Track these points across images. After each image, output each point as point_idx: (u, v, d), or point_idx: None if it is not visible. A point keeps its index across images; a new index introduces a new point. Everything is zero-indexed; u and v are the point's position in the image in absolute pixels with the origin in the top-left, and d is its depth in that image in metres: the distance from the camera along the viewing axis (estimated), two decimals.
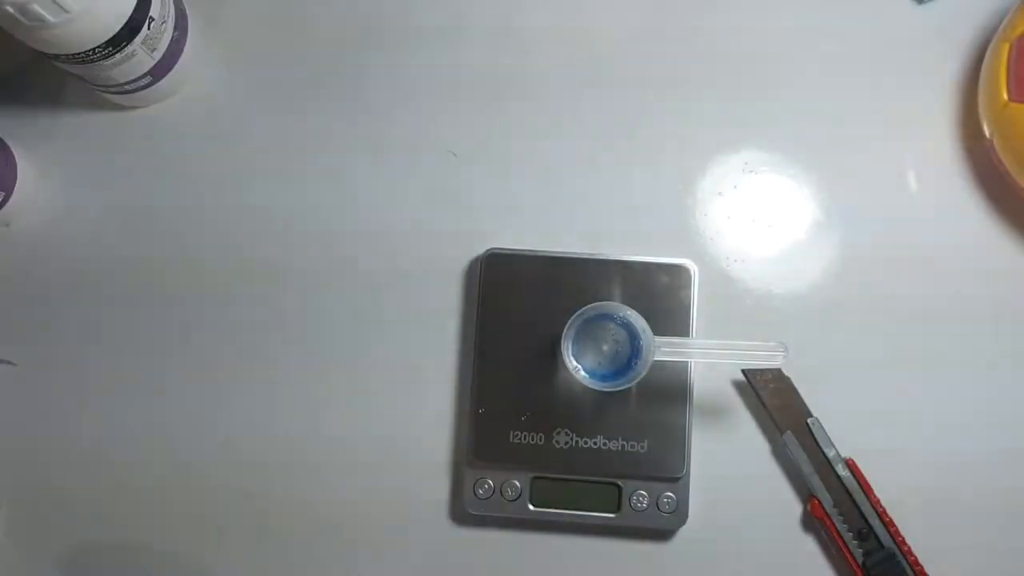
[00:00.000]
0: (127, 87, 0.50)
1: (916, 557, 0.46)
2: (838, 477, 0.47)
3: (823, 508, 0.47)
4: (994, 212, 0.51)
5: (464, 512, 0.48)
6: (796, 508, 0.49)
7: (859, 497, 0.47)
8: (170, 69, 0.51)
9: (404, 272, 0.52)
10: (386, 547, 0.49)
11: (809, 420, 0.48)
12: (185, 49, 0.51)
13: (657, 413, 0.48)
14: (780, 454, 0.49)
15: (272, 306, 0.52)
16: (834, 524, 0.47)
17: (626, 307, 0.45)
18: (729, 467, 0.49)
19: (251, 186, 0.53)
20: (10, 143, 0.52)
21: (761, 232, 0.52)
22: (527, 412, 0.48)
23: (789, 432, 0.48)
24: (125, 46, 0.46)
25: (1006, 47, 0.48)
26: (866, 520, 0.47)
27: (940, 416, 0.49)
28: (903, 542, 0.47)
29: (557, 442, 0.48)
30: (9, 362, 0.52)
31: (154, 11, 0.46)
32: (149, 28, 0.46)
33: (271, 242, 0.52)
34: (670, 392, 0.48)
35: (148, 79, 0.50)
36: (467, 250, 0.51)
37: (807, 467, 0.47)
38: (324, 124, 0.54)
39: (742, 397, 0.50)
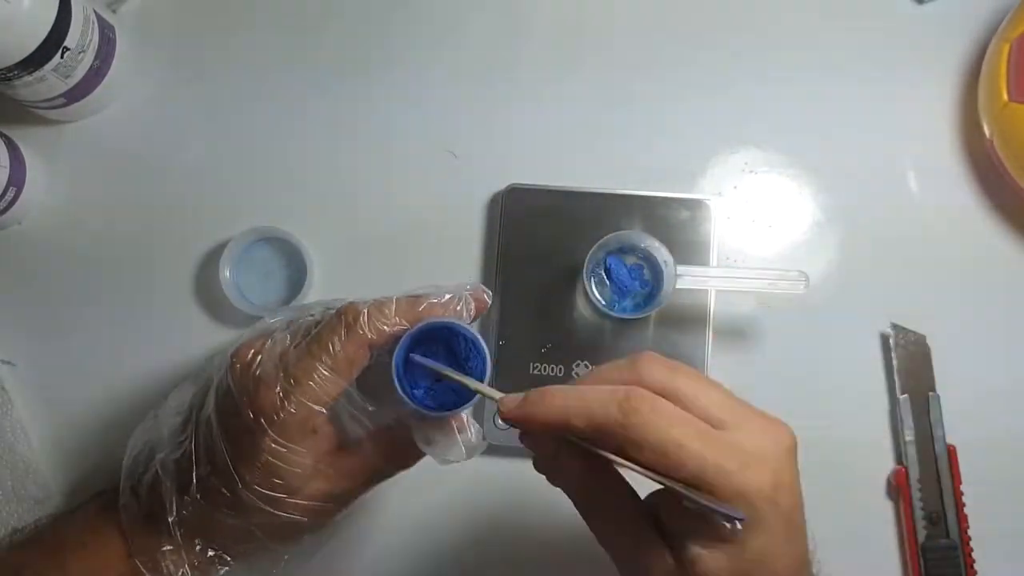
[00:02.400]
0: (41, 104, 0.51)
1: (974, 559, 0.47)
2: (935, 457, 0.48)
3: (908, 479, 0.47)
4: (994, 212, 0.51)
5: (482, 446, 0.48)
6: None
7: (946, 483, 0.47)
8: (88, 94, 0.52)
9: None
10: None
11: (931, 393, 0.48)
12: (111, 72, 0.53)
13: (677, 345, 0.48)
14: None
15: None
16: (911, 499, 0.47)
17: (648, 236, 0.46)
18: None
19: (253, 172, 0.54)
20: (19, 143, 0.53)
21: (761, 232, 0.52)
22: (547, 344, 0.49)
23: (907, 396, 0.48)
24: (35, 71, 0.47)
25: (1006, 47, 0.48)
26: (944, 507, 0.47)
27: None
28: (968, 540, 0.47)
29: (577, 374, 0.48)
30: (9, 362, 0.52)
31: (70, 42, 0.48)
32: (63, 57, 0.48)
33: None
34: (690, 323, 0.48)
35: (62, 100, 0.51)
36: (489, 185, 0.52)
37: (910, 435, 0.48)
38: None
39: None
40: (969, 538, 0.47)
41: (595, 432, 0.31)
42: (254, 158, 0.54)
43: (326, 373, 0.37)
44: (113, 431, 0.50)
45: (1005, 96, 0.48)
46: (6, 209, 0.51)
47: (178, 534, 0.40)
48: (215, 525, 0.39)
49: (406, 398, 0.37)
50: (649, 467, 0.30)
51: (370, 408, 0.40)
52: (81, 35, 0.49)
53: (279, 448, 0.37)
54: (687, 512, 0.31)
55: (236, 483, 0.38)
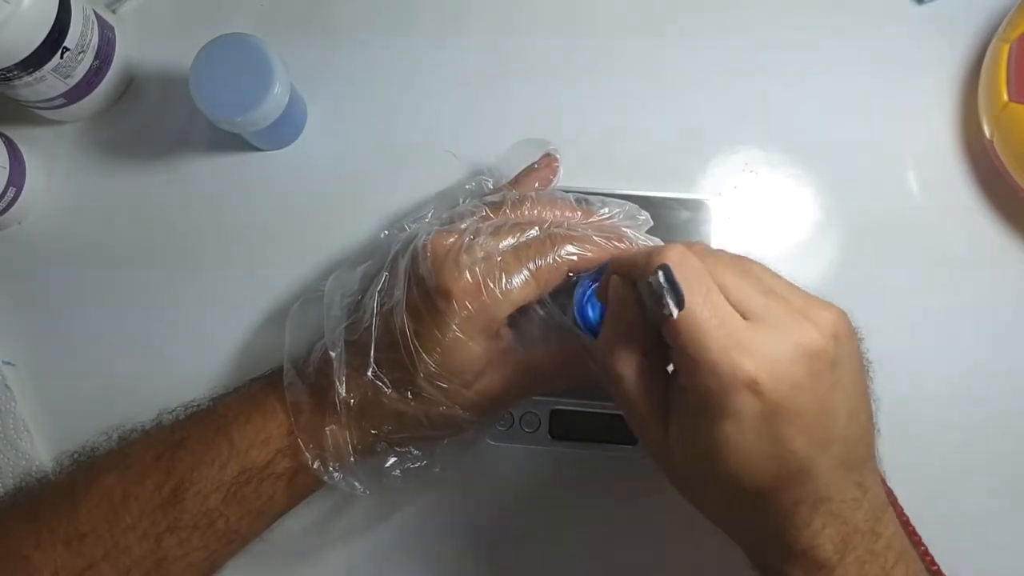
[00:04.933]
0: (41, 104, 0.51)
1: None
2: None
3: None
4: (994, 212, 0.51)
5: (484, 443, 0.49)
6: None
7: None
8: (88, 94, 0.52)
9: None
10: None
11: None
12: (111, 72, 0.53)
13: None
14: None
15: (281, 297, 0.53)
16: None
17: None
18: None
19: (256, 176, 0.54)
20: (19, 143, 0.53)
21: (761, 232, 0.52)
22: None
23: None
24: (34, 71, 0.48)
25: (1006, 47, 0.48)
26: None
27: (933, 412, 0.50)
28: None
29: None
30: (10, 363, 0.52)
31: (70, 42, 0.48)
32: (62, 57, 0.48)
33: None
34: None
35: (62, 100, 0.51)
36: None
37: None
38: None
39: None
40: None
41: (624, 267, 0.35)
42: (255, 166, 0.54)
43: (528, 278, 0.39)
44: (113, 431, 0.50)
45: (1005, 96, 0.48)
46: (6, 209, 0.51)
47: (344, 413, 0.40)
48: (383, 408, 0.40)
49: (580, 330, 0.41)
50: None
51: (555, 320, 0.42)
52: (81, 35, 0.49)
53: (462, 338, 0.38)
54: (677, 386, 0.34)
55: (416, 365, 0.39)
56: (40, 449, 0.52)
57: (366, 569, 0.50)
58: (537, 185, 0.46)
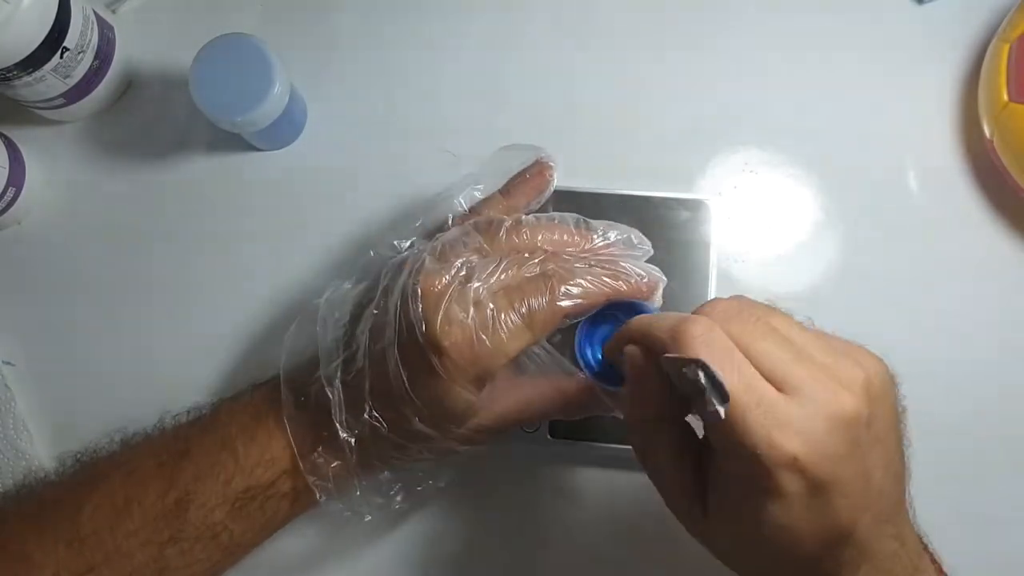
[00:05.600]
0: (41, 104, 0.51)
1: None
2: None
3: None
4: (994, 212, 0.51)
5: None
6: None
7: None
8: (87, 94, 0.52)
9: None
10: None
11: None
12: (111, 72, 0.53)
13: None
14: None
15: (281, 297, 0.53)
16: None
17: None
18: None
19: (263, 170, 0.54)
20: (19, 143, 0.53)
21: (761, 232, 0.52)
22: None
23: None
24: (34, 71, 0.48)
25: (1006, 47, 0.48)
26: None
27: (932, 412, 0.49)
28: None
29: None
30: (9, 363, 0.52)
31: (70, 42, 0.48)
32: (62, 57, 0.48)
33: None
34: None
35: (61, 100, 0.51)
36: None
37: None
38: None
39: None
40: None
41: (645, 340, 0.34)
42: (255, 165, 0.54)
43: (523, 327, 0.37)
44: (113, 431, 0.50)
45: (1005, 96, 0.48)
46: (5, 209, 0.51)
47: (347, 451, 0.40)
48: (382, 443, 0.40)
49: (583, 371, 0.40)
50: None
51: (553, 359, 0.42)
52: (80, 35, 0.49)
53: (456, 388, 0.38)
54: (716, 466, 0.32)
55: (410, 409, 0.38)
56: (40, 449, 0.52)
57: (364, 568, 0.50)
58: (530, 197, 0.45)
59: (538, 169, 0.45)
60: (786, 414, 0.30)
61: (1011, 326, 0.51)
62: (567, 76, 0.54)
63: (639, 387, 0.34)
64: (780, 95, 0.53)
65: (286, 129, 0.53)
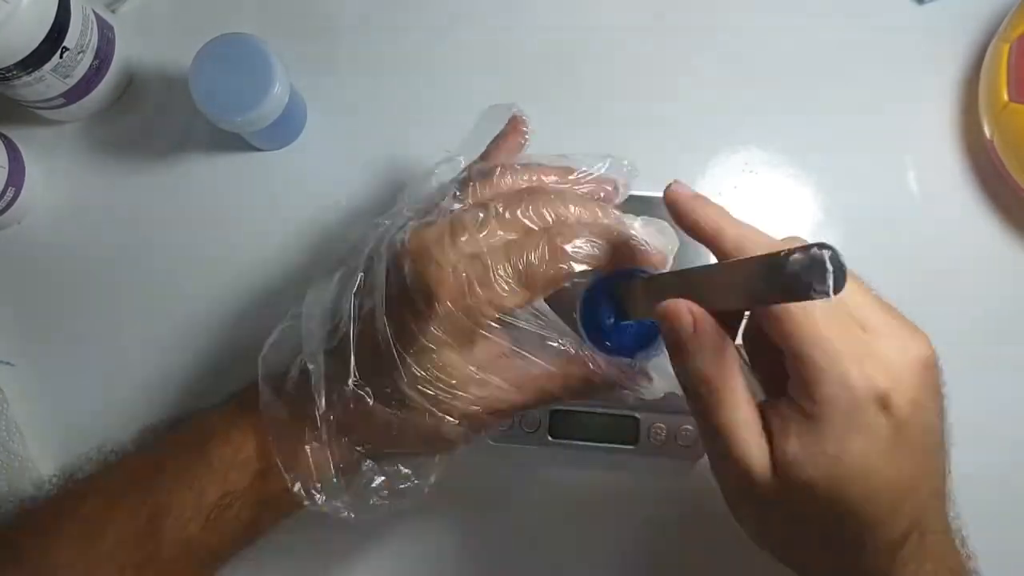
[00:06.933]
0: (40, 104, 0.51)
1: None
2: None
3: None
4: (994, 212, 0.51)
5: (484, 442, 0.48)
6: None
7: None
8: (87, 94, 0.52)
9: None
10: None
11: None
12: (110, 72, 0.53)
13: None
14: None
15: (281, 297, 0.52)
16: None
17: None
18: None
19: (256, 177, 0.54)
20: (19, 143, 0.53)
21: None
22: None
23: None
24: (34, 71, 0.47)
25: (1006, 48, 0.48)
26: None
27: None
28: None
29: None
30: (8, 363, 0.52)
31: (69, 42, 0.48)
32: (62, 57, 0.48)
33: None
34: None
35: (61, 100, 0.51)
36: None
37: None
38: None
39: None
40: None
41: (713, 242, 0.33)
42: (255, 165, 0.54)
43: (514, 285, 0.35)
44: (112, 431, 0.51)
45: (1005, 96, 0.48)
46: (5, 209, 0.51)
47: (325, 430, 0.37)
48: (367, 421, 0.37)
49: (587, 340, 0.37)
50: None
51: (554, 327, 0.37)
52: (80, 35, 0.49)
53: (445, 340, 0.35)
54: (791, 406, 0.30)
55: (398, 370, 0.35)
56: (32, 450, 0.51)
57: (362, 568, 0.50)
58: (510, 153, 0.42)
59: (512, 126, 0.43)
60: (876, 349, 0.29)
61: (1011, 325, 0.51)
62: (569, 76, 0.54)
63: (696, 337, 0.31)
64: (780, 95, 0.53)
65: (286, 129, 0.53)
